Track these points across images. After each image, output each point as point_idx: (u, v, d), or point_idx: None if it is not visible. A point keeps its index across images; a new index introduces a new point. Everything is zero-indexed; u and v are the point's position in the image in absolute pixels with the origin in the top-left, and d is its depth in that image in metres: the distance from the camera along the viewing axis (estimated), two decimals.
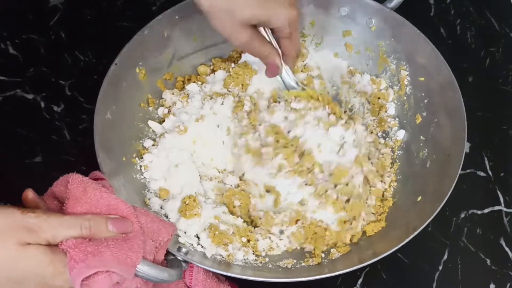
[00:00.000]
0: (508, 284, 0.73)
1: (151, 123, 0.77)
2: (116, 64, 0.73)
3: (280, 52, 0.70)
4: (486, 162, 0.81)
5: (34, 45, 0.89)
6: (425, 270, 0.74)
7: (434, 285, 0.73)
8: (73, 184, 0.52)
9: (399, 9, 0.78)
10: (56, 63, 0.88)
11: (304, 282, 0.64)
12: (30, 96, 0.85)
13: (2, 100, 0.84)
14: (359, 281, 0.73)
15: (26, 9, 0.92)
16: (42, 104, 0.84)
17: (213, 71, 0.82)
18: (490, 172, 0.80)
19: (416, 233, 0.63)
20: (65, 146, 0.81)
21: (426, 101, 0.76)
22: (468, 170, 0.80)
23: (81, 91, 0.85)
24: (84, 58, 0.88)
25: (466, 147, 0.81)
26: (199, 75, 0.82)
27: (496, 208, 0.78)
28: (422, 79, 0.77)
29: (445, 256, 0.75)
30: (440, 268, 0.74)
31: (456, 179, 0.66)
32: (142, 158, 0.74)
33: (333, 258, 0.68)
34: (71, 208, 0.51)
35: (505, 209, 0.78)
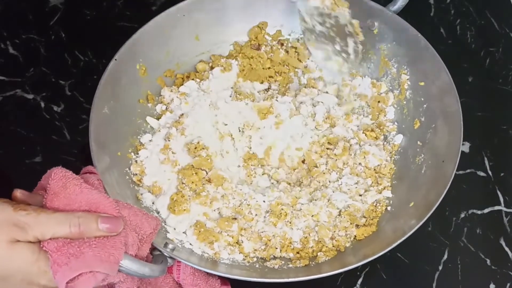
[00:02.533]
0: (508, 284, 0.73)
1: (149, 119, 0.78)
2: (116, 59, 0.73)
3: None
4: (486, 162, 0.81)
5: (34, 45, 0.89)
6: (425, 270, 0.74)
7: (434, 285, 0.73)
8: (54, 179, 0.52)
9: None
10: (56, 63, 0.88)
11: (302, 282, 0.64)
12: (30, 96, 0.85)
13: (2, 100, 0.84)
14: (359, 281, 0.73)
15: (26, 9, 0.92)
16: (42, 104, 0.84)
17: (211, 68, 0.82)
18: (490, 172, 0.80)
19: (403, 238, 0.63)
20: (65, 146, 0.81)
21: (425, 106, 0.76)
22: (468, 170, 0.80)
23: (81, 91, 0.85)
24: (84, 58, 0.88)
25: (466, 147, 0.82)
26: (198, 72, 0.82)
27: (496, 208, 0.78)
28: (422, 83, 0.77)
29: (445, 256, 0.74)
30: (440, 268, 0.74)
31: (448, 186, 0.66)
32: (137, 153, 0.75)
33: (319, 261, 0.68)
34: (50, 203, 0.51)
35: (505, 209, 0.78)
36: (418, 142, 0.75)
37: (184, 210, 0.70)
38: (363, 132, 0.78)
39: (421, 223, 0.64)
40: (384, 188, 0.74)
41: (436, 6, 0.95)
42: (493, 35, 0.92)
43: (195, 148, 0.74)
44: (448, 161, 0.69)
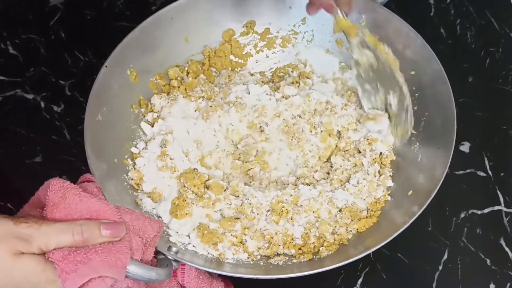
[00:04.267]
0: (508, 284, 0.73)
1: (143, 124, 0.77)
2: (106, 66, 0.73)
3: None
4: (486, 162, 0.81)
5: (34, 45, 0.89)
6: (425, 270, 0.74)
7: (434, 285, 0.73)
8: (52, 190, 0.51)
9: (398, 9, 0.78)
10: (56, 63, 0.88)
11: (303, 280, 0.64)
12: (30, 96, 0.85)
13: (2, 100, 0.84)
14: (359, 281, 0.73)
15: (26, 9, 0.92)
16: (42, 104, 0.84)
17: (187, 73, 0.82)
18: (490, 172, 0.80)
19: (405, 227, 0.64)
20: (65, 146, 0.81)
21: (417, 95, 0.76)
22: (468, 170, 0.80)
23: (81, 91, 0.85)
24: (84, 58, 0.88)
25: (466, 147, 0.82)
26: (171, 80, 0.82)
27: (496, 208, 0.78)
28: (413, 73, 0.77)
29: (445, 256, 0.74)
30: (440, 268, 0.74)
31: (446, 171, 0.66)
32: (134, 161, 0.74)
33: (322, 256, 0.68)
34: (50, 214, 0.51)
35: (505, 209, 0.78)
36: (413, 131, 0.75)
37: (187, 214, 0.70)
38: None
39: (421, 210, 0.64)
40: (385, 178, 0.74)
41: (436, 6, 0.95)
42: (493, 35, 0.92)
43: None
44: (443, 147, 0.69)
